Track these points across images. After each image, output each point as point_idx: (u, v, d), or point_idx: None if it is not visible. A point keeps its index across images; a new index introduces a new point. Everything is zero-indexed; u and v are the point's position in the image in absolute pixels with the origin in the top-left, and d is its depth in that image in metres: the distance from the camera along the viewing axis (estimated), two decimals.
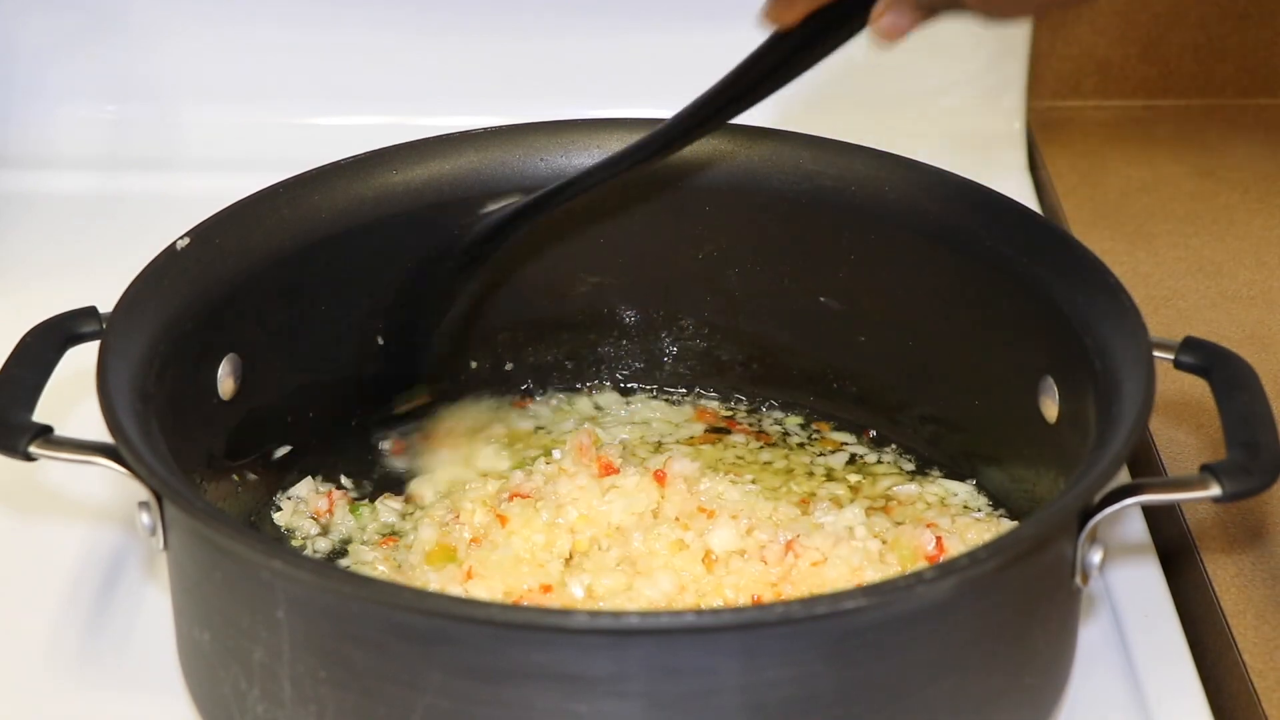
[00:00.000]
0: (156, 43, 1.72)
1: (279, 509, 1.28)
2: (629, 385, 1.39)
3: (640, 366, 1.39)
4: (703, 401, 1.38)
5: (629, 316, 1.37)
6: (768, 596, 1.15)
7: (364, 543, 1.25)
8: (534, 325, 1.37)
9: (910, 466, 1.32)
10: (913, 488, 1.29)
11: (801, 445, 1.34)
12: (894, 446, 1.34)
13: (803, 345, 1.36)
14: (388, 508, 1.27)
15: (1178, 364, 1.16)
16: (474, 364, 1.37)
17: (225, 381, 1.24)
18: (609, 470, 1.23)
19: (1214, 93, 1.80)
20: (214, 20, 1.71)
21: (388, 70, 1.73)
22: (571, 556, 1.19)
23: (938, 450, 1.32)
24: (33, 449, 1.09)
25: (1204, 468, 1.07)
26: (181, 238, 1.22)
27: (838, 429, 1.35)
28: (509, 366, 1.38)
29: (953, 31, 1.70)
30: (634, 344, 1.38)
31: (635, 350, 1.38)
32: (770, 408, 1.37)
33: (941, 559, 1.18)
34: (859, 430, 1.35)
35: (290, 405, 1.30)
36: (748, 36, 1.71)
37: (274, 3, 1.70)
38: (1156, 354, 1.13)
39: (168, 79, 1.73)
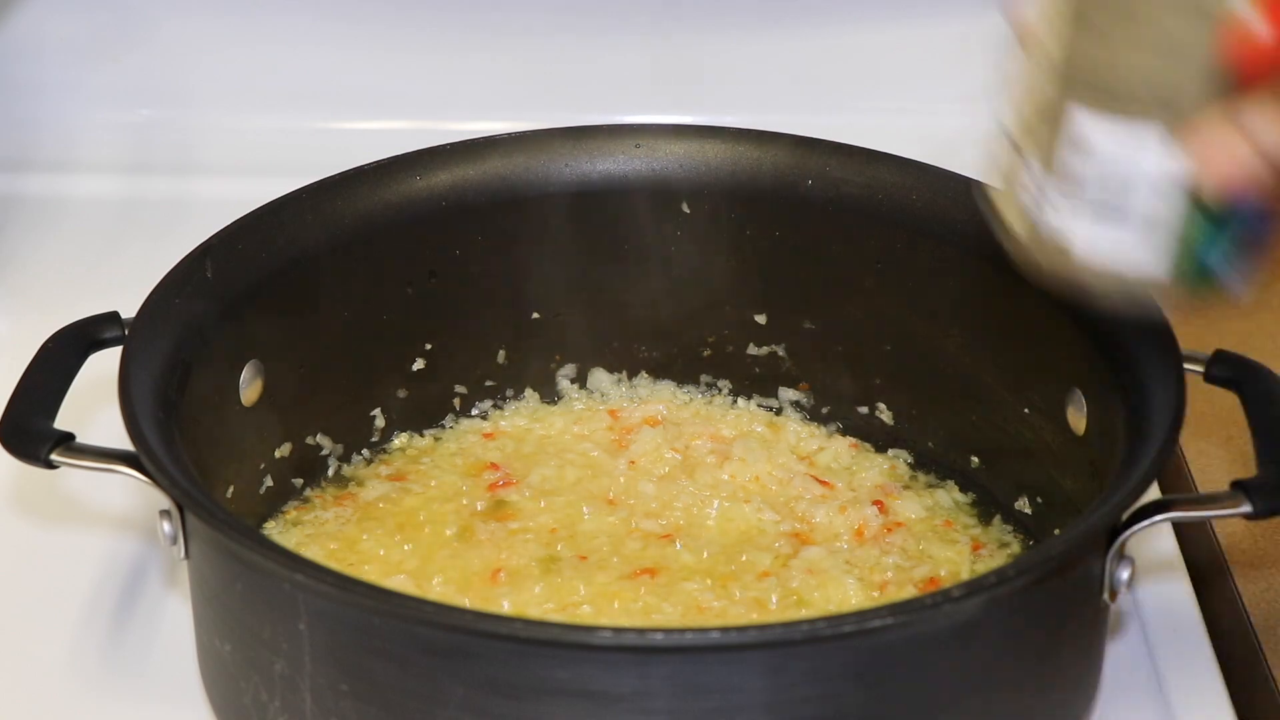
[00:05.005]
0: (182, 48, 1.72)
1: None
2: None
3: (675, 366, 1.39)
4: (733, 412, 1.38)
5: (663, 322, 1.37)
6: None
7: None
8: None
9: (930, 477, 1.32)
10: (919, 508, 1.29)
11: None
12: (910, 454, 1.33)
13: (827, 353, 1.35)
14: None
15: (1208, 378, 1.15)
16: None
17: (248, 388, 1.23)
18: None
19: None
20: (239, 26, 1.71)
21: (411, 75, 1.72)
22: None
23: (963, 458, 1.31)
24: (54, 456, 1.09)
25: (1235, 484, 1.06)
26: (205, 243, 1.21)
27: (858, 435, 1.35)
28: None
29: (978, 36, 1.70)
30: (661, 346, 1.38)
31: (671, 353, 1.38)
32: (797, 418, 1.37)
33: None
34: (882, 438, 1.34)
35: (314, 411, 1.29)
36: (773, 42, 1.72)
37: (299, 10, 1.70)
38: (1186, 367, 1.12)
39: (193, 84, 1.73)
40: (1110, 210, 0.94)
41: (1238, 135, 0.87)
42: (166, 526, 1.09)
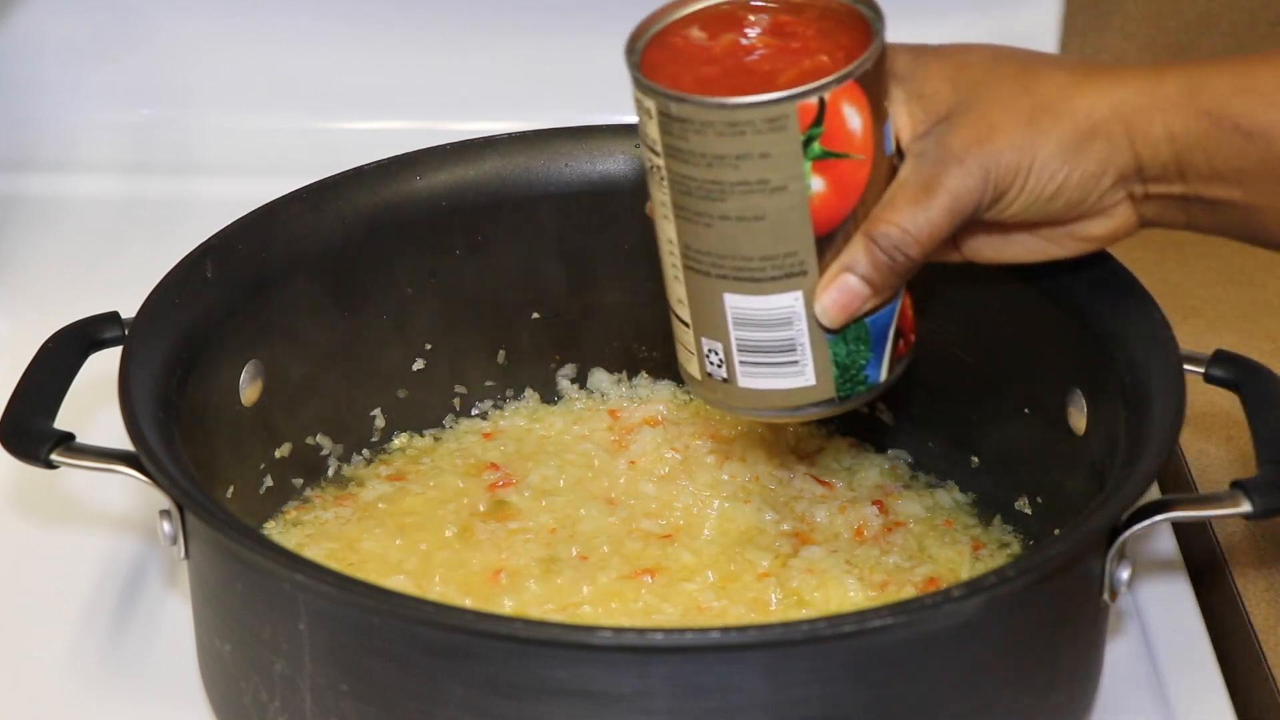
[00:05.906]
0: (182, 48, 1.72)
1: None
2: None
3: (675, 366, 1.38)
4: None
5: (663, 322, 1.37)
6: None
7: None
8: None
9: (930, 477, 1.32)
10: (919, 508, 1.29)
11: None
12: (908, 456, 1.33)
13: None
14: None
15: (1208, 378, 1.15)
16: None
17: (248, 388, 1.23)
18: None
19: None
20: (239, 26, 1.71)
21: (411, 75, 1.72)
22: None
23: (963, 458, 1.31)
24: (54, 456, 1.09)
25: (1234, 484, 1.06)
26: (205, 243, 1.21)
27: (858, 435, 1.35)
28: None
29: (980, 36, 1.70)
30: (661, 346, 1.38)
31: (671, 353, 1.38)
32: None
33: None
34: (882, 438, 1.34)
35: (314, 411, 1.29)
36: None
37: (299, 9, 1.70)
38: (1186, 367, 1.12)
39: (193, 84, 1.73)
40: (769, 361, 1.09)
41: (842, 273, 1.05)
42: (166, 526, 1.09)
